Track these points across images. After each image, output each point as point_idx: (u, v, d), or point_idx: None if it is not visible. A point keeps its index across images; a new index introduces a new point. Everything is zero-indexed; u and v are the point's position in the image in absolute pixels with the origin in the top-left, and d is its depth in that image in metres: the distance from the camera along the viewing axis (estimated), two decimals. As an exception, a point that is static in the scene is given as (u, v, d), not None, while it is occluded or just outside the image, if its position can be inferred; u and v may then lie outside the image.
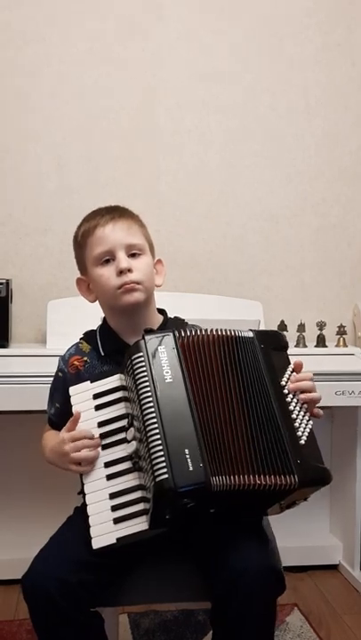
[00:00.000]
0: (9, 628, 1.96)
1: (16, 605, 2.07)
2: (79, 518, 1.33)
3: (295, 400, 1.29)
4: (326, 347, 2.39)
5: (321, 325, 2.40)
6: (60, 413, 1.46)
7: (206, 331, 1.31)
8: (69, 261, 2.39)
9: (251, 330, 1.35)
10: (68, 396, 1.38)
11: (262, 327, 2.22)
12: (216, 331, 1.32)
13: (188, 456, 1.17)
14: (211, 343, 1.29)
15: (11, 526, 2.28)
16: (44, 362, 2.01)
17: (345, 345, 2.42)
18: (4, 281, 2.26)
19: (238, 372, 1.28)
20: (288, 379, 1.31)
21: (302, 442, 1.24)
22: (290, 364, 1.35)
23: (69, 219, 2.41)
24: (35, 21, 2.45)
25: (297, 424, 1.27)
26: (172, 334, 1.30)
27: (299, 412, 1.29)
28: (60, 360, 1.52)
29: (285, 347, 1.38)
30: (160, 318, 1.51)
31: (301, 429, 1.26)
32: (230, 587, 1.23)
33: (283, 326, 2.39)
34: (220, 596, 1.26)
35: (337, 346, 2.41)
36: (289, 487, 1.20)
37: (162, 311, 1.53)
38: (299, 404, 1.29)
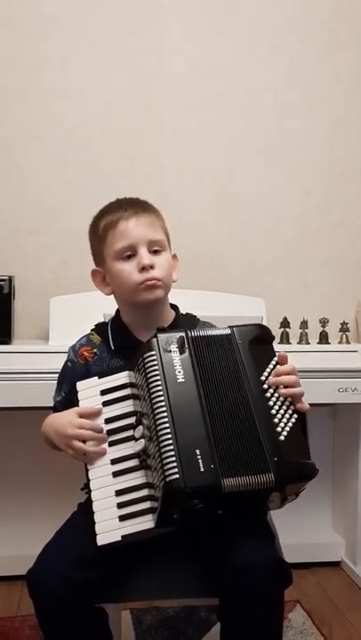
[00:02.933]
0: (12, 624, 1.97)
1: (18, 601, 2.07)
2: (83, 514, 1.34)
3: (276, 395, 1.28)
4: (329, 344, 2.39)
5: (324, 322, 2.40)
6: (66, 402, 1.45)
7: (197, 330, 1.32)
8: (72, 259, 2.45)
9: (229, 326, 1.35)
10: (75, 387, 1.38)
11: (265, 323, 2.22)
12: (191, 331, 1.32)
13: (199, 457, 1.17)
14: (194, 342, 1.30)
15: (13, 522, 2.28)
16: (46, 359, 2.01)
17: (348, 342, 2.42)
18: (6, 278, 2.27)
19: (215, 372, 1.28)
20: (270, 373, 1.30)
21: (282, 438, 1.23)
22: (275, 356, 1.33)
23: (72, 216, 2.45)
24: (36, 20, 2.44)
25: (277, 420, 1.25)
26: (184, 334, 1.31)
27: (280, 407, 1.27)
28: (70, 350, 1.52)
29: (269, 339, 1.37)
30: (172, 314, 1.51)
31: (282, 425, 1.24)
32: (234, 583, 1.23)
33: (285, 323, 2.39)
34: (224, 592, 1.26)
35: (340, 343, 2.42)
36: (266, 486, 1.19)
37: (174, 307, 1.53)
38: (281, 400, 1.27)
